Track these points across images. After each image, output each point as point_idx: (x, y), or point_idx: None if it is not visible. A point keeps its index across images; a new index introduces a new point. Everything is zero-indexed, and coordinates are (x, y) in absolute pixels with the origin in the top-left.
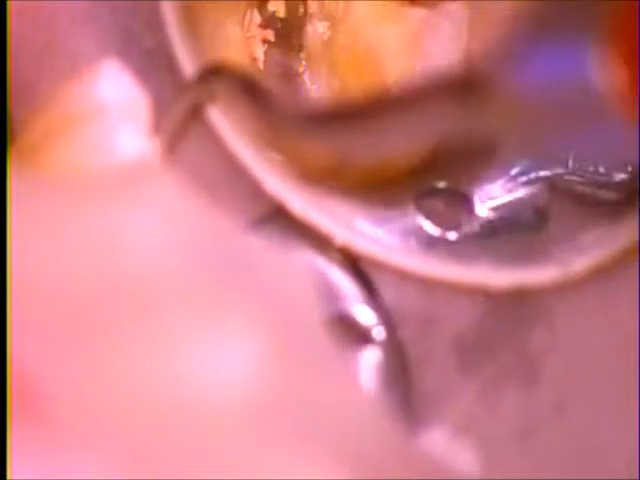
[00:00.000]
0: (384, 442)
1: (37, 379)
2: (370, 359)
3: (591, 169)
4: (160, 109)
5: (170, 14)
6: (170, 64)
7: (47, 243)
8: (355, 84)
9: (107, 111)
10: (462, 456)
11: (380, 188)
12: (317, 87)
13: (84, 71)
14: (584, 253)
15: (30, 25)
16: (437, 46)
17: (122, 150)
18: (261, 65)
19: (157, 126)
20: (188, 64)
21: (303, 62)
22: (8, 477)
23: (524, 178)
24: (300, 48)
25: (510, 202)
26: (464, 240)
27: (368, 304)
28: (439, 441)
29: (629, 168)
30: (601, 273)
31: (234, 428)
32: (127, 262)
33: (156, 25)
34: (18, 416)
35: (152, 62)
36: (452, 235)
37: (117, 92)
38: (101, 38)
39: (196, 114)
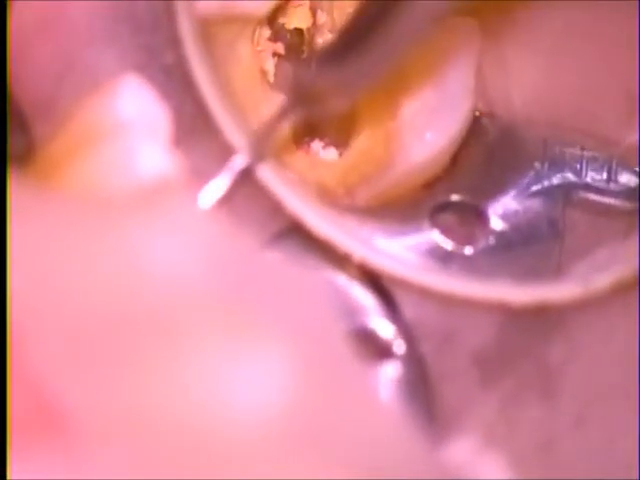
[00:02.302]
0: (407, 456)
1: (60, 398)
2: (391, 373)
3: (606, 177)
4: (180, 125)
5: (187, 32)
6: (189, 80)
7: (68, 261)
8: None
9: (127, 127)
10: (485, 469)
11: (395, 204)
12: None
13: (104, 88)
14: (603, 269)
15: (50, 42)
16: None
17: (142, 166)
18: (271, 78)
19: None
20: (205, 80)
21: None
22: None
23: (538, 187)
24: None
25: (525, 214)
26: (481, 255)
27: (388, 318)
28: (462, 454)
29: None
30: (621, 288)
31: (257, 443)
32: (148, 280)
33: (175, 41)
34: (39, 432)
35: (172, 78)
36: (468, 250)
37: (137, 108)
38: (121, 55)
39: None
